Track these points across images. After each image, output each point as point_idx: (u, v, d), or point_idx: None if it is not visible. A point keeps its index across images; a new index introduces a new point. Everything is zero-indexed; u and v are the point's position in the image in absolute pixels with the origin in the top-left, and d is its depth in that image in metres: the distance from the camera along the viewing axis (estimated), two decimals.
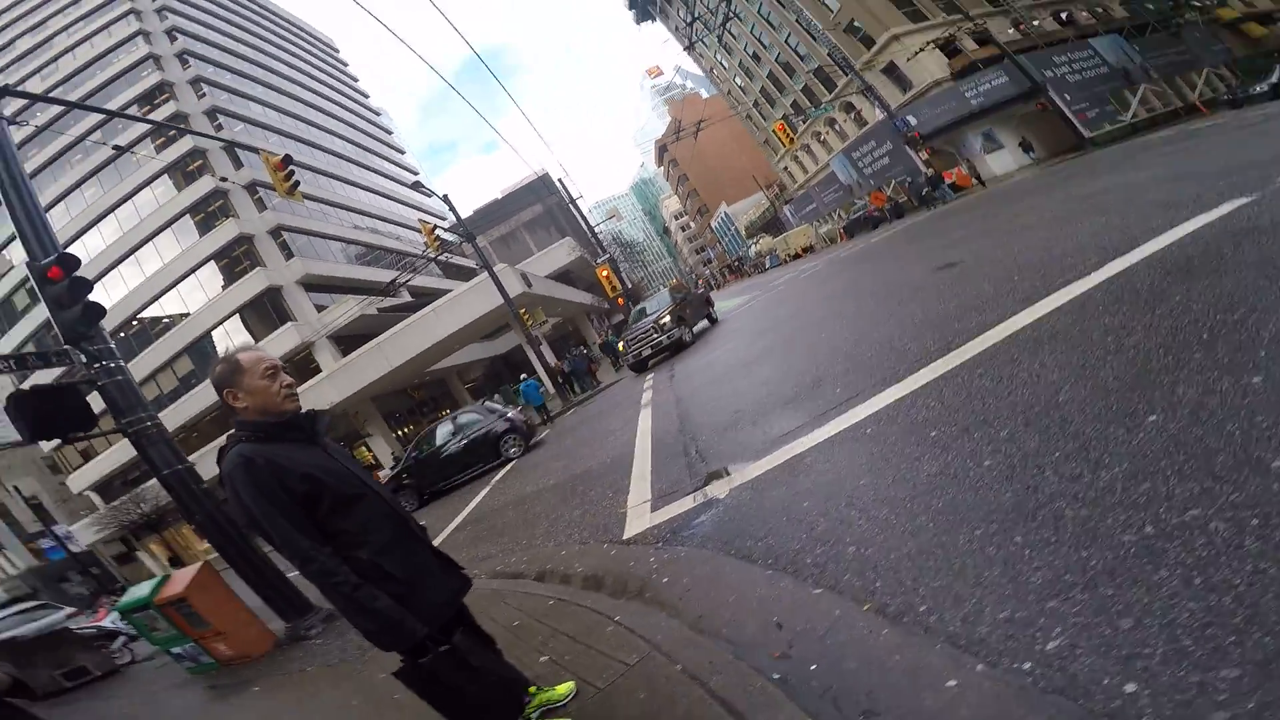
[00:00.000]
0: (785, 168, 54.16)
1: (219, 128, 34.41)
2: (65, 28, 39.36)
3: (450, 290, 27.79)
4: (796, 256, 39.01)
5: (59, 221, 31.57)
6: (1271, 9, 35.48)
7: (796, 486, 3.41)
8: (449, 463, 12.55)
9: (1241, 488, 1.77)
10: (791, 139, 25.35)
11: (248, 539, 6.01)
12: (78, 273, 5.86)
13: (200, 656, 5.84)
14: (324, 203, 37.44)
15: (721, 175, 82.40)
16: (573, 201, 30.98)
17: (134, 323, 31.95)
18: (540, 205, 65.41)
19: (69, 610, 14.51)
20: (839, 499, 2.99)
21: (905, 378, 4.20)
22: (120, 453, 29.90)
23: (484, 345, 37.14)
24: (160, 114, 32.70)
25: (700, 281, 63.81)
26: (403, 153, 61.88)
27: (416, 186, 25.15)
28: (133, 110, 31.48)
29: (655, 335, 14.32)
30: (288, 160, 10.70)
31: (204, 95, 35.67)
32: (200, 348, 30.53)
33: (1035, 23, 31.32)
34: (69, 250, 6.14)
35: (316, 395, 23.51)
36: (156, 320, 32.04)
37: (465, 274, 41.86)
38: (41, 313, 30.38)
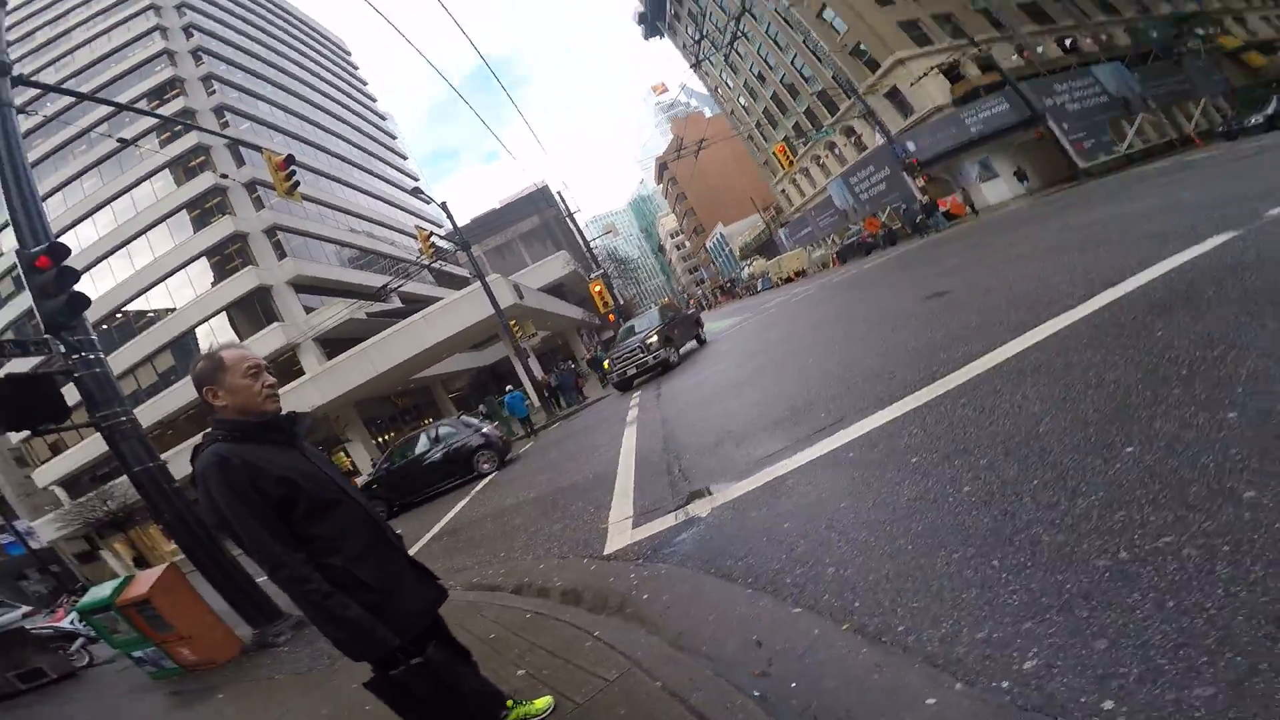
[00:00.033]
0: (783, 190, 54.88)
1: (225, 125, 34.43)
2: (85, 20, 39.54)
3: (441, 298, 27.73)
4: (789, 280, 39.30)
5: (55, 211, 31.38)
6: (1274, 37, 36.39)
7: (778, 508, 3.43)
8: (421, 475, 12.48)
9: (1214, 516, 1.81)
10: (791, 161, 25.64)
11: (217, 541, 5.85)
12: (66, 263, 5.79)
13: (163, 661, 5.66)
14: (322, 204, 37.40)
15: (720, 195, 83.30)
16: (570, 215, 31.14)
17: (118, 315, 31.58)
18: (538, 217, 65.68)
19: (25, 609, 13.97)
20: (819, 521, 3.02)
21: (890, 404, 4.24)
22: (91, 447, 29.31)
23: (471, 355, 37.00)
24: (169, 109, 32.68)
25: (692, 301, 64.24)
26: (405, 158, 62.14)
27: (416, 192, 25.32)
28: (142, 105, 31.59)
29: (641, 355, 14.25)
30: (290, 160, 10.69)
31: (214, 92, 35.78)
32: (183, 344, 30.18)
33: (1039, 49, 31.78)
34: (61, 240, 6.07)
35: (298, 397, 23.24)
36: (141, 314, 31.69)
37: (458, 282, 41.80)
38: (23, 302, 29.93)
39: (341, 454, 28.21)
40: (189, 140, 32.21)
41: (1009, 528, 2.22)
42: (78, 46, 38.37)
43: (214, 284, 30.82)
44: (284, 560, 1.69)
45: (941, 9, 34.17)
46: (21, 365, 19.34)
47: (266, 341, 28.61)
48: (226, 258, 31.21)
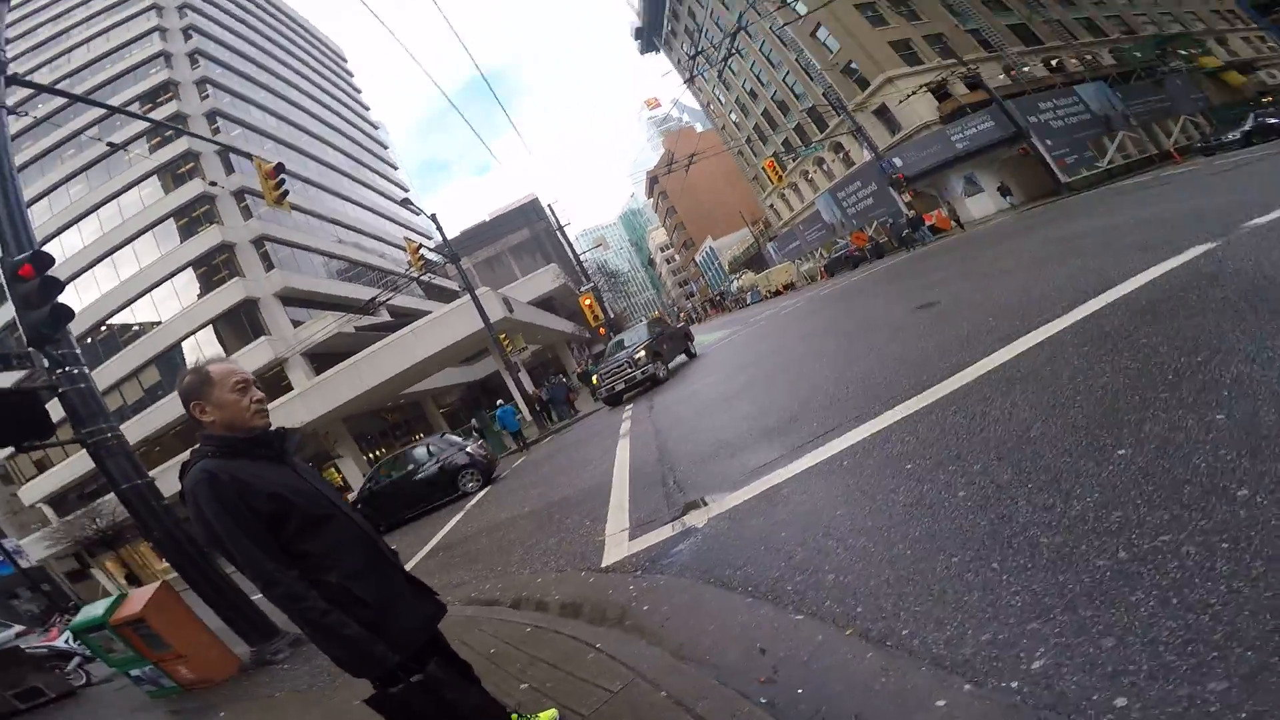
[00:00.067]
0: (772, 204, 55.49)
1: (216, 130, 34.03)
2: (85, 20, 39.25)
3: (431, 311, 27.59)
4: (778, 293, 39.64)
5: (39, 217, 30.84)
6: (1254, 57, 37.72)
7: (774, 517, 3.44)
8: (406, 495, 12.46)
9: (1210, 515, 1.85)
10: (780, 176, 25.95)
11: (209, 559, 5.77)
12: (50, 272, 5.70)
13: (161, 679, 5.58)
14: (311, 215, 37.15)
15: (710, 209, 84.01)
16: (560, 229, 31.23)
17: (102, 328, 31.00)
18: (528, 230, 65.88)
19: (18, 628, 13.87)
20: (817, 529, 3.03)
21: (881, 413, 4.28)
22: (77, 464, 28.65)
23: (462, 370, 36.79)
24: (161, 113, 32.25)
25: (682, 314, 64.45)
26: (395, 169, 62.00)
27: (405, 204, 25.13)
28: (135, 108, 31.18)
29: (629, 370, 14.20)
30: (280, 169, 10.58)
31: (207, 96, 35.49)
32: (169, 358, 29.66)
33: (1025, 68, 32.59)
34: (44, 249, 5.99)
35: (287, 413, 22.95)
36: (126, 327, 31.13)
37: (447, 296, 41.67)
38: (3, 314, 29.45)
39: (333, 470, 27.83)
40: (179, 146, 31.89)
41: (1007, 530, 2.25)
42: (75, 46, 38.00)
43: (200, 296, 30.36)
44: (277, 578, 1.66)
45: (933, 30, 35.10)
46: (4, 380, 18.93)
47: (254, 356, 28.24)
48: (213, 269, 30.81)
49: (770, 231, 56.36)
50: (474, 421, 23.47)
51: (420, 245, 19.54)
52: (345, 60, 66.08)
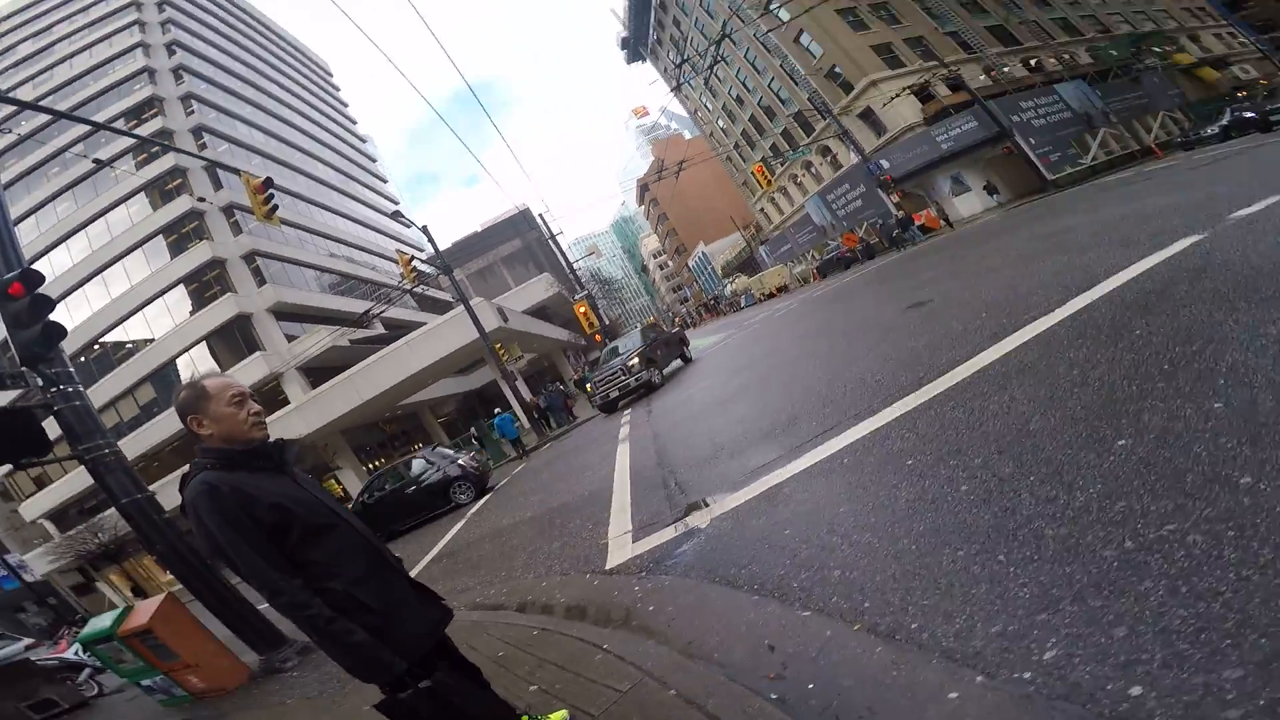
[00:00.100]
0: (762, 209, 55.82)
1: (203, 146, 33.98)
2: (69, 35, 39.13)
3: (425, 323, 27.56)
4: (771, 296, 39.77)
5: (27, 236, 30.68)
6: (1225, 54, 38.49)
7: (776, 516, 3.44)
8: (399, 508, 12.54)
9: (1213, 503, 1.85)
10: (769, 181, 26.22)
11: (212, 569, 5.80)
12: (40, 290, 5.68)
13: (172, 689, 5.65)
14: (301, 229, 37.09)
15: (700, 215, 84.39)
16: (552, 237, 31.29)
17: (95, 347, 30.86)
18: (519, 240, 65.99)
19: (27, 641, 13.92)
20: (820, 526, 3.03)
21: (879, 411, 4.29)
22: (76, 480, 28.58)
23: (458, 380, 36.71)
24: (147, 129, 32.19)
25: (677, 320, 64.56)
26: (385, 181, 61.97)
27: (396, 216, 25.16)
28: (120, 124, 31.11)
29: (623, 377, 14.17)
30: (268, 183, 10.55)
31: (193, 112, 35.42)
32: (164, 375, 29.51)
33: (1005, 69, 33.26)
34: (33, 267, 5.97)
35: (284, 428, 22.81)
36: (120, 345, 30.98)
37: (441, 307, 41.65)
38: None
39: (333, 481, 27.71)
40: (166, 162, 31.81)
41: (1011, 523, 2.25)
42: (57, 63, 37.90)
43: (193, 312, 30.25)
44: (282, 587, 1.67)
45: (913, 33, 35.66)
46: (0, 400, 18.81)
47: (249, 371, 28.10)
48: (205, 285, 30.71)
49: (761, 235, 56.66)
50: (473, 430, 23.44)
51: (412, 257, 19.52)
52: (331, 75, 66.11)
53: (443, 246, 23.90)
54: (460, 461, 12.61)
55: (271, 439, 1.92)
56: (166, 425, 27.63)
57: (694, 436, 6.73)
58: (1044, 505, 2.26)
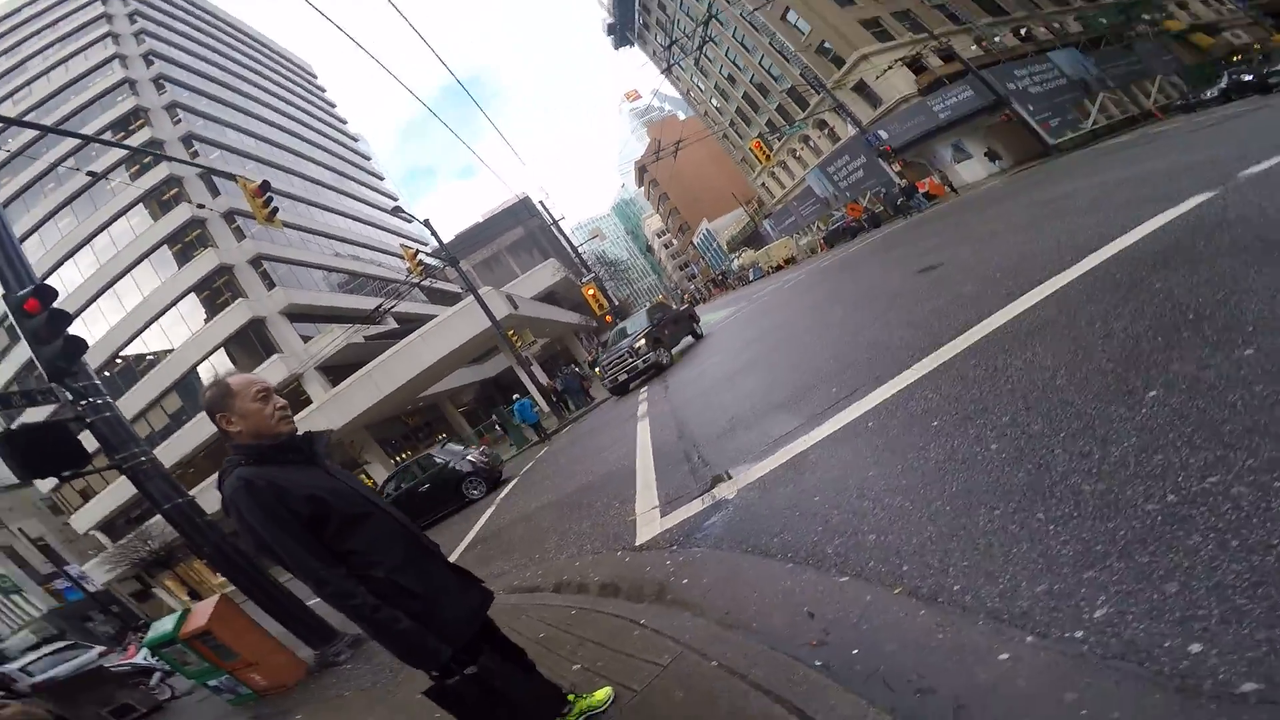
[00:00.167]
0: (763, 184, 55.10)
1: (194, 154, 33.94)
2: (41, 50, 38.92)
3: (436, 315, 27.68)
4: (779, 268, 39.44)
5: (34, 254, 30.98)
6: (1215, 20, 37.56)
7: (804, 483, 3.43)
8: (412, 507, 12.68)
9: (1255, 453, 1.80)
10: (768, 156, 25.90)
11: (259, 568, 5.92)
12: (56, 305, 5.75)
13: (238, 688, 5.80)
14: (304, 230, 37.13)
15: (701, 193, 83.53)
16: (555, 223, 31.11)
17: (118, 360, 31.27)
18: (522, 228, 65.80)
19: (100, 649, 14.56)
20: (850, 491, 3.01)
21: (899, 374, 4.25)
22: (119, 491, 29.38)
23: (474, 369, 36.95)
24: (135, 140, 32.13)
25: (685, 297, 64.25)
26: (381, 178, 61.75)
27: (396, 211, 25.16)
28: (107, 136, 31.12)
29: (630, 360, 14.10)
30: (266, 187, 10.50)
31: (179, 121, 35.33)
32: (188, 384, 29.87)
33: (996, 39, 32.70)
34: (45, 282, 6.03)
35: (309, 426, 23.02)
36: (141, 357, 31.37)
37: (450, 299, 41.68)
38: (21, 354, 29.70)
39: (363, 475, 28.19)
40: (160, 172, 31.84)
41: (1046, 480, 2.22)
42: (35, 78, 37.73)
43: (207, 320, 30.52)
44: (326, 577, 1.70)
45: (899, 6, 35.00)
46: (37, 416, 19.31)
47: (269, 374, 28.33)
48: (215, 292, 30.94)
49: (765, 209, 56.02)
50: (495, 417, 23.67)
51: (418, 251, 19.51)
52: (315, 76, 65.54)
53: (446, 239, 23.83)
54: (470, 457, 12.86)
55: (300, 432, 1.95)
56: (196, 433, 28.12)
57: (713, 409, 6.73)
58: (1079, 461, 2.23)
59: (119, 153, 32.17)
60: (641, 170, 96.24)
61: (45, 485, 32.94)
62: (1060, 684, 1.44)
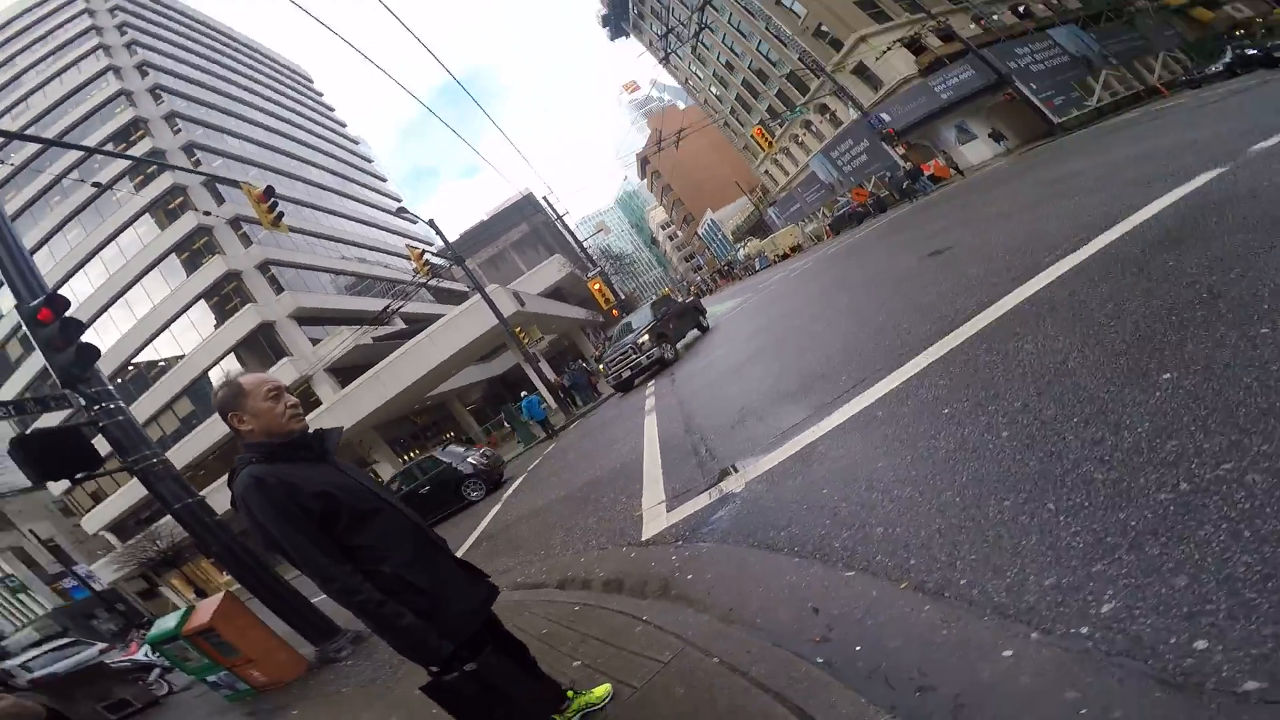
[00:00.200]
0: (766, 171, 54.71)
1: (197, 163, 34.11)
2: (34, 64, 39.13)
3: (443, 315, 27.78)
4: (785, 256, 39.26)
5: (44, 265, 31.43)
6: None
7: (812, 475, 3.38)
8: (416, 508, 12.86)
9: (1270, 438, 1.74)
10: (770, 143, 25.72)
11: (266, 566, 6.01)
12: (68, 314, 5.83)
13: (236, 684, 5.89)
14: (309, 234, 37.32)
15: (704, 183, 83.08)
16: (559, 218, 31.08)
17: (130, 367, 31.74)
18: (526, 225, 65.75)
19: (101, 645, 14.94)
20: (858, 483, 2.96)
21: (908, 361, 4.19)
22: (130, 493, 29.90)
23: (481, 367, 37.07)
24: (136, 151, 32.24)
25: (691, 288, 64.05)
26: (384, 180, 61.85)
27: (400, 213, 25.32)
28: (108, 148, 31.41)
29: (634, 356, 13.93)
30: (270, 192, 10.55)
31: (179, 131, 35.50)
32: (199, 389, 30.28)
33: (995, 17, 32.16)
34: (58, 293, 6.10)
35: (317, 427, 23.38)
36: (153, 364, 31.82)
37: (457, 297, 41.80)
38: (36, 362, 30.23)
39: (372, 473, 28.53)
40: (164, 182, 32.08)
41: (1058, 469, 2.17)
42: (30, 93, 37.98)
43: (217, 326, 30.89)
44: (333, 573, 1.71)
45: None
46: (52, 421, 19.66)
47: (279, 377, 28.27)
48: (224, 298, 31.27)
49: (769, 197, 55.64)
50: (503, 415, 23.80)
51: (423, 251, 19.55)
52: (312, 81, 65.54)
53: (451, 238, 23.86)
54: (471, 459, 12.94)
55: (311, 430, 1.96)
56: (207, 435, 28.53)
57: (720, 402, 6.68)
58: (1091, 448, 2.17)
59: (122, 165, 32.56)
60: (643, 162, 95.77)
61: (57, 488, 33.55)
62: (1062, 682, 1.41)
